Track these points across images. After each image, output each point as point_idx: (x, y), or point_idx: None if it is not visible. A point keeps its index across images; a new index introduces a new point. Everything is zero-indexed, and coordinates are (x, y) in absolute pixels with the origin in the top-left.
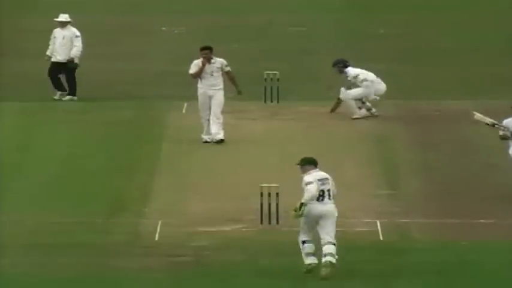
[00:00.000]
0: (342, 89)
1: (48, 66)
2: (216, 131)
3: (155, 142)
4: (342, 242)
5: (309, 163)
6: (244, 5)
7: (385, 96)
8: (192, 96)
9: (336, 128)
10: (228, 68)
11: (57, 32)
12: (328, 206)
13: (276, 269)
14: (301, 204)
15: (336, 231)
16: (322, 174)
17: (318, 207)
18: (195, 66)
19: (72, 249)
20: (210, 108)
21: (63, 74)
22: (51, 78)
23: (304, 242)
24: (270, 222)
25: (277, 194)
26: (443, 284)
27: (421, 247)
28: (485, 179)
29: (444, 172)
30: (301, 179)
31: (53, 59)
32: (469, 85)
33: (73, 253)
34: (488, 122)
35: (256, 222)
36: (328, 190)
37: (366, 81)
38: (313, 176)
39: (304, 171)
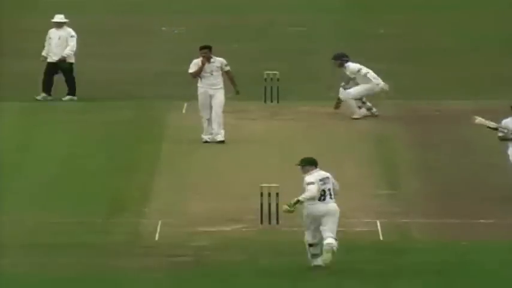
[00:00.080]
0: (341, 89)
1: (44, 66)
2: (217, 131)
3: (155, 142)
4: (342, 242)
5: (309, 163)
6: (244, 5)
7: (385, 96)
8: (192, 96)
9: (336, 128)
10: (227, 68)
11: (53, 33)
12: (330, 205)
13: (276, 269)
14: (298, 201)
15: (336, 240)
16: (322, 173)
17: (320, 207)
18: (194, 65)
19: (72, 249)
20: (210, 108)
21: (62, 75)
22: (45, 78)
23: (310, 245)
24: (270, 222)
25: (277, 194)
26: (443, 284)
27: (421, 247)
28: (485, 179)
29: (444, 172)
30: (301, 178)
31: (48, 60)
32: (469, 85)
33: (73, 253)
34: (490, 126)
35: (256, 222)
36: (329, 189)
37: (368, 73)
38: (314, 176)
39: (305, 172)
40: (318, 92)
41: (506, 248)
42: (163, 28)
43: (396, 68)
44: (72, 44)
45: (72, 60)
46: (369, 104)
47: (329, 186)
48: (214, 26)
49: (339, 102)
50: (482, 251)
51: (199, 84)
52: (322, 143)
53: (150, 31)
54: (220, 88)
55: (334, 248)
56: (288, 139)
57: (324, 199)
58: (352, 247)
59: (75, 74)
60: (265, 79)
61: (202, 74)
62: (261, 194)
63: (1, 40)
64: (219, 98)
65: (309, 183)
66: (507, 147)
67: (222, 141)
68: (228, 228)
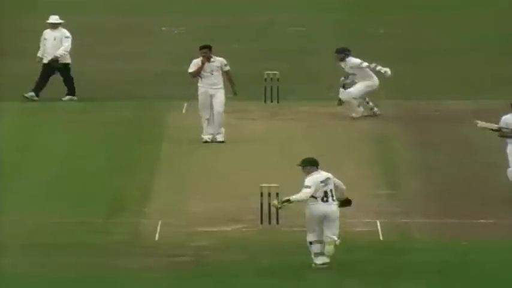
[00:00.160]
0: (341, 89)
1: (40, 67)
2: (217, 131)
3: (155, 142)
4: (342, 242)
5: (310, 164)
6: (244, 5)
7: (385, 96)
8: (192, 96)
9: (336, 128)
10: (227, 68)
11: (48, 34)
12: (332, 207)
13: (276, 269)
14: (288, 200)
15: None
16: (323, 175)
17: (321, 207)
18: (194, 65)
19: (72, 249)
20: (210, 108)
21: (59, 75)
22: (39, 79)
23: (311, 243)
24: (270, 222)
25: (277, 194)
26: (443, 284)
27: (421, 247)
28: (485, 179)
29: (444, 172)
30: (302, 178)
31: (44, 61)
32: (469, 85)
33: (73, 253)
34: (493, 128)
35: (256, 222)
36: (331, 190)
37: (368, 68)
38: (315, 178)
39: (306, 172)
40: (318, 92)
41: (506, 248)
42: (163, 28)
43: (396, 68)
44: (67, 44)
45: (67, 60)
46: (371, 103)
47: (330, 187)
48: (214, 26)
49: (340, 103)
50: (482, 251)
51: (199, 84)
52: (322, 143)
53: (150, 31)
54: (221, 88)
55: (337, 242)
56: (288, 139)
57: (326, 200)
58: (352, 247)
59: (72, 74)
60: (265, 79)
61: (203, 73)
62: (261, 194)
63: (1, 40)
64: (220, 97)
65: (305, 187)
66: (506, 145)
67: (222, 142)
68: (228, 228)
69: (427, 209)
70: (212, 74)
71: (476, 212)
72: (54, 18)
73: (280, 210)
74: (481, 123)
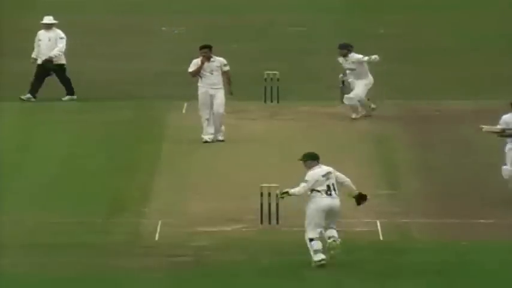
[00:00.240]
0: (345, 95)
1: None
2: (218, 130)
3: (155, 142)
4: (342, 242)
5: (311, 158)
6: (244, 5)
7: (385, 96)
8: (192, 96)
9: (336, 128)
10: (226, 68)
11: (42, 35)
12: (336, 201)
13: (276, 269)
14: (286, 192)
15: (337, 231)
16: (324, 169)
17: (326, 200)
18: (194, 65)
19: (72, 249)
20: (210, 108)
21: (55, 76)
22: (34, 80)
23: (311, 240)
24: (270, 222)
25: (277, 194)
26: (443, 284)
27: (421, 247)
28: (485, 179)
29: (444, 172)
30: (302, 178)
31: (38, 62)
32: (469, 85)
33: (73, 253)
34: (498, 130)
35: (256, 222)
36: (333, 184)
37: (368, 60)
38: (316, 172)
39: (308, 167)
40: (318, 92)
41: (506, 248)
42: (163, 28)
43: (396, 68)
44: (61, 45)
45: (62, 61)
46: (368, 101)
47: (332, 181)
48: (214, 26)
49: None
50: (482, 251)
51: (199, 84)
52: (322, 143)
53: (150, 31)
54: (221, 88)
55: (338, 241)
56: (288, 139)
57: (330, 194)
58: (352, 247)
59: (68, 74)
60: (265, 79)
61: (203, 73)
62: (261, 194)
63: (1, 40)
64: (220, 97)
65: (303, 181)
66: (505, 145)
67: (222, 141)
68: (228, 228)
69: (427, 209)
70: (212, 74)
71: (476, 212)
72: (48, 19)
73: (280, 210)
74: (486, 128)
